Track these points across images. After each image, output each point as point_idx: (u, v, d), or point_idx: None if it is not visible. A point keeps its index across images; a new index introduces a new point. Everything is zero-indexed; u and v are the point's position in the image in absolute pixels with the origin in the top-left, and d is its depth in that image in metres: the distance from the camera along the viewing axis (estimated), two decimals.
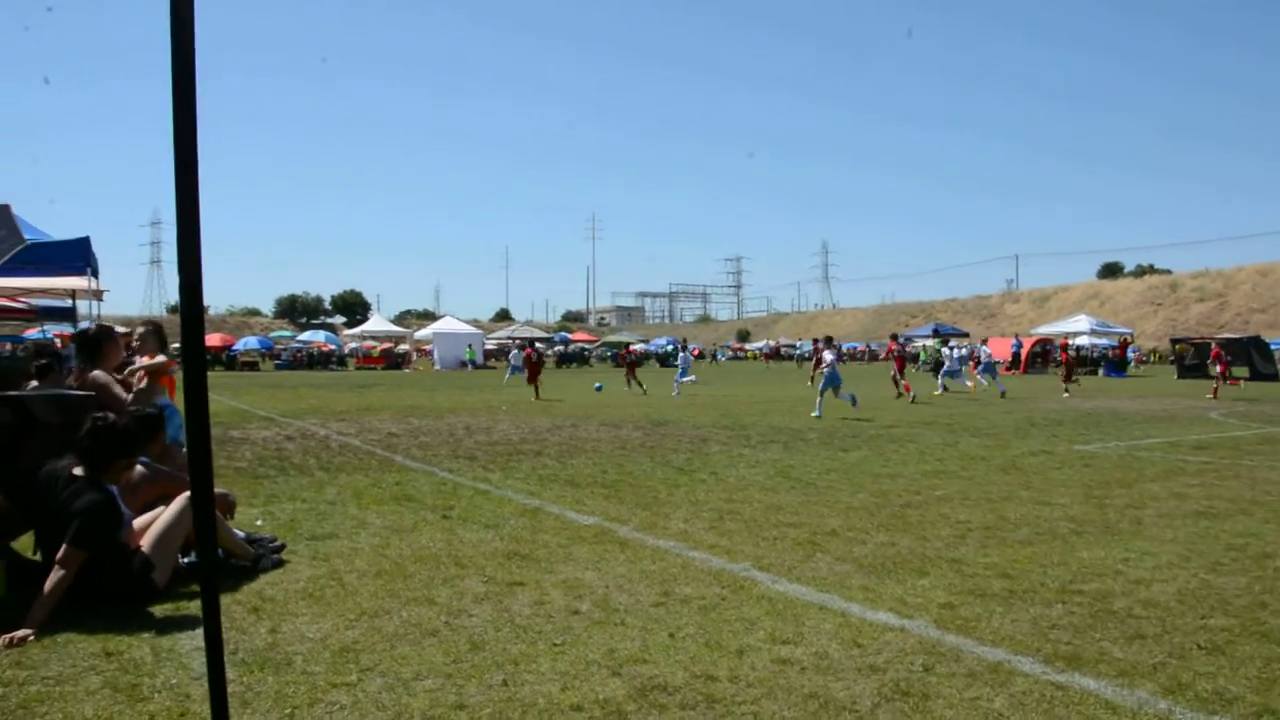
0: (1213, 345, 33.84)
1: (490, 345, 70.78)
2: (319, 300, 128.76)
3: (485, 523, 7.41)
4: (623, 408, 21.40)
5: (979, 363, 30.59)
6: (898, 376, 26.05)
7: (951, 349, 30.66)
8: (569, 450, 12.58)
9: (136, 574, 5.13)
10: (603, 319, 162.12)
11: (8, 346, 37.72)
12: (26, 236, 10.96)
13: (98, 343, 7.15)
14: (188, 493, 5.40)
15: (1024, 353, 51.89)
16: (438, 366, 59.13)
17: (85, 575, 5.19)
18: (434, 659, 4.21)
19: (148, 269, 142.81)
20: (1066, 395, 26.03)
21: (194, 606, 4.93)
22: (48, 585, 4.81)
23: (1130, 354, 52.97)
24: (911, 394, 23.82)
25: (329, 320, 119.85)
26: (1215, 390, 26.44)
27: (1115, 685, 3.87)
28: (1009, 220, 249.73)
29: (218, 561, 2.84)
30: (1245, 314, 73.86)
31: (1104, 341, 54.35)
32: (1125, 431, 15.32)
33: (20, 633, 4.52)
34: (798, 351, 75.96)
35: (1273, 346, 45.50)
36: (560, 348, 74.33)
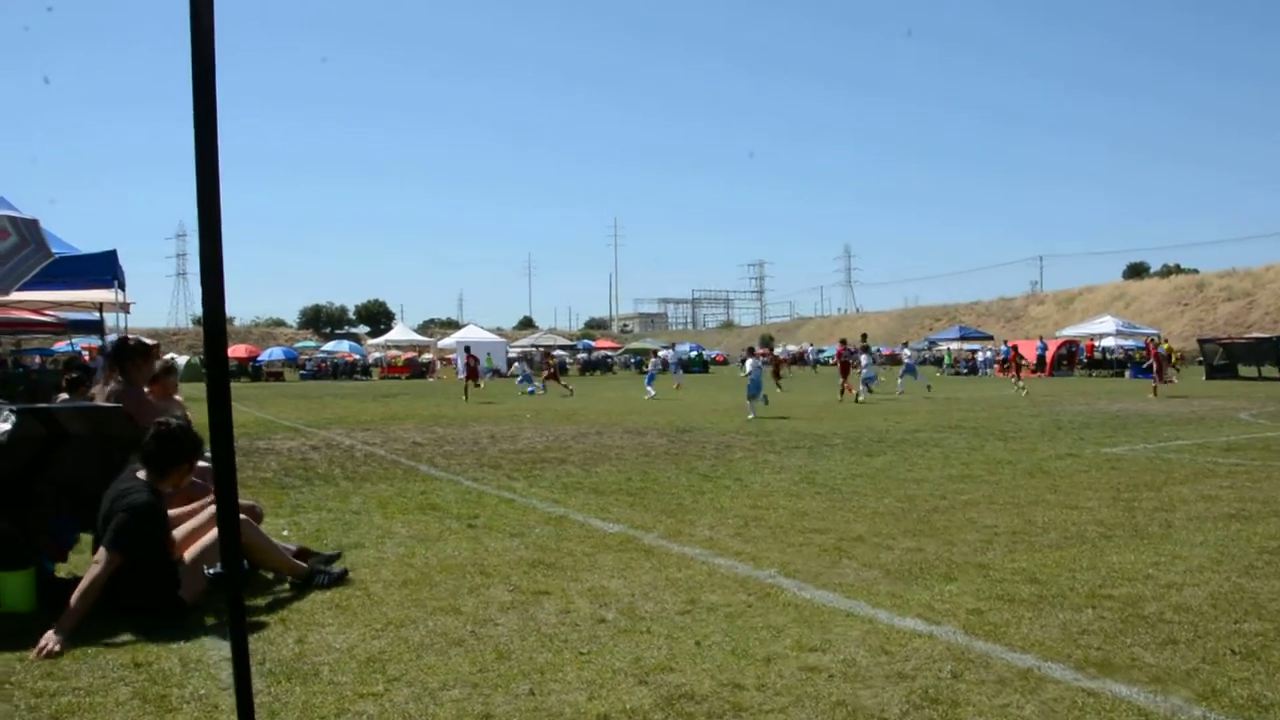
0: (1149, 345, 35.30)
1: (513, 353, 70.92)
2: (343, 310, 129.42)
3: (510, 531, 7.41)
4: (646, 415, 21.39)
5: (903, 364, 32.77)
6: (844, 381, 27.32)
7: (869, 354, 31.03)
8: (593, 458, 12.58)
9: (166, 586, 5.18)
10: (626, 326, 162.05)
11: (37, 359, 38.14)
12: (54, 250, 11.07)
13: (132, 355, 7.20)
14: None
15: (1050, 355, 51.62)
16: (461, 375, 59.29)
17: (117, 584, 5.25)
18: (460, 668, 4.21)
19: (174, 281, 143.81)
20: (1025, 394, 28.52)
21: (222, 617, 4.95)
22: (79, 589, 4.88)
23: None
24: (855, 394, 26.02)
25: (353, 330, 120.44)
26: (1155, 389, 27.51)
27: (1148, 692, 3.82)
28: (1033, 221, 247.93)
29: (243, 573, 2.85)
30: (1275, 313, 72.99)
31: (1130, 343, 53.89)
32: (1153, 434, 15.19)
33: (50, 645, 4.55)
34: (813, 356, 76.16)
35: None
36: (584, 355, 74.43)
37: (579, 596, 5.42)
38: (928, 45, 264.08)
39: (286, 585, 5.74)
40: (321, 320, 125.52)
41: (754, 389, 20.65)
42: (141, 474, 5.43)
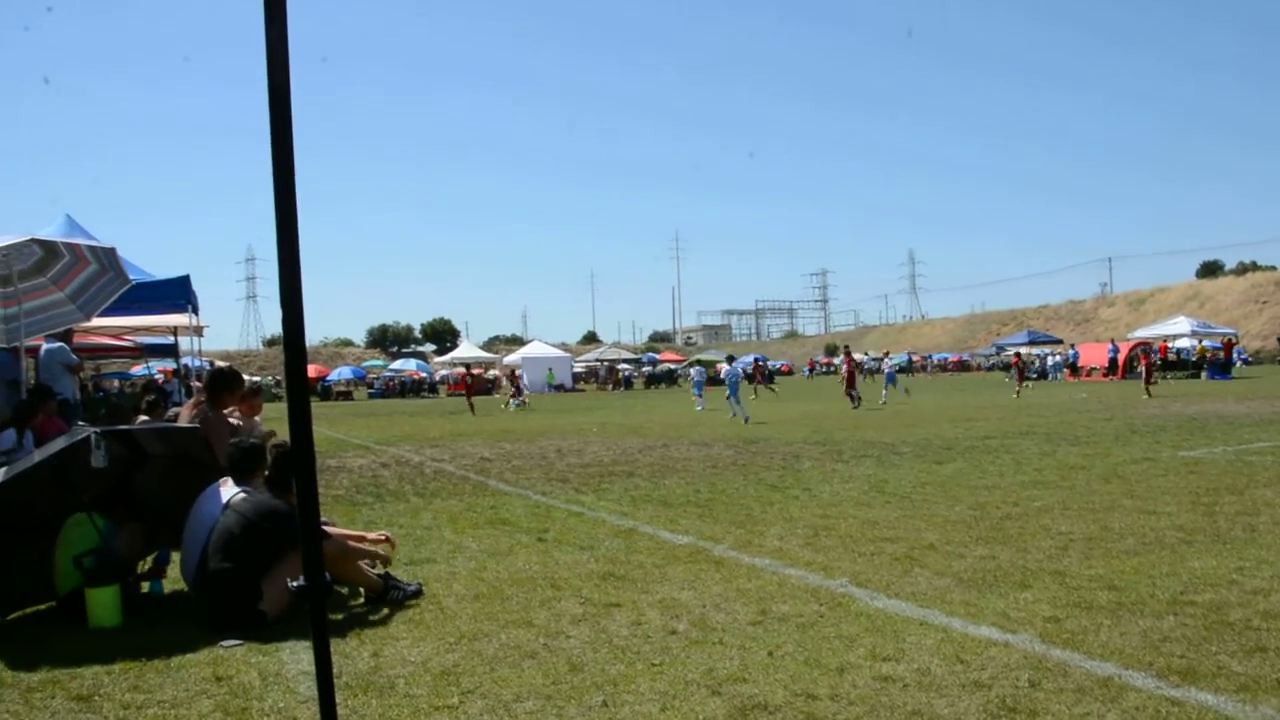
0: (1141, 353, 36.96)
1: (579, 368, 71.31)
2: (409, 329, 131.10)
3: (580, 544, 7.45)
4: (713, 427, 21.36)
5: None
6: (851, 390, 27.95)
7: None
8: (661, 470, 12.59)
9: (248, 600, 5.30)
10: (689, 338, 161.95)
11: (116, 383, 39.14)
12: (131, 277, 11.39)
13: (227, 384, 7.42)
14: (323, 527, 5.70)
15: (1121, 358, 50.55)
16: (528, 390, 59.70)
17: (204, 599, 5.43)
18: (534, 681, 4.24)
19: (244, 304, 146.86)
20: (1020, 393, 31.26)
21: (299, 631, 5.04)
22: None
23: (1236, 355, 51.24)
24: (859, 401, 27.12)
25: (419, 348, 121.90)
26: (1147, 390, 29.28)
27: (1236, 700, 3.73)
28: (1101, 222, 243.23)
29: (325, 587, 2.91)
30: None
31: (1208, 343, 52.57)
32: (1233, 435, 14.80)
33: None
34: (869, 365, 75.58)
35: None
36: (649, 368, 74.56)
37: (650, 608, 5.43)
38: (994, 42, 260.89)
39: (361, 600, 5.84)
40: (388, 339, 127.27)
41: (732, 391, 23.94)
42: (230, 486, 5.77)
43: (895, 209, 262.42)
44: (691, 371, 33.69)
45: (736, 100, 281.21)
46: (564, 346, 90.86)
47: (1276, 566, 5.90)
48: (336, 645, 4.88)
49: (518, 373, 49.38)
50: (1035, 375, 56.11)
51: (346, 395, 65.37)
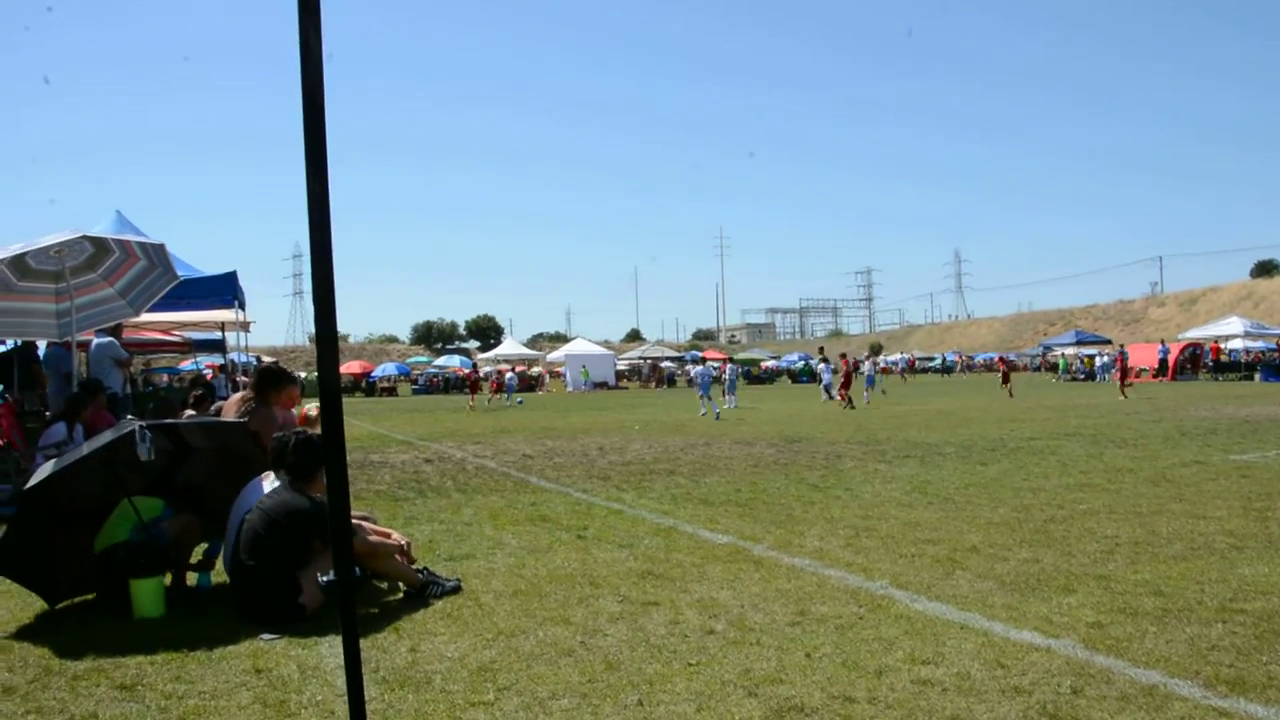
0: (1120, 352, 37.91)
1: (621, 365, 71.43)
2: (454, 326, 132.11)
3: (619, 542, 7.45)
4: (755, 425, 21.30)
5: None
6: (842, 390, 29.14)
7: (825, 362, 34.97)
8: (702, 469, 12.57)
9: (288, 593, 5.36)
10: (733, 337, 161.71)
11: (165, 378, 39.75)
12: (180, 273, 11.55)
13: (276, 381, 7.47)
14: (357, 521, 5.76)
15: (1171, 359, 49.77)
16: (570, 388, 59.90)
17: (242, 591, 5.50)
18: (570, 678, 4.24)
19: (291, 300, 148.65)
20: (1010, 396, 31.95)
21: (339, 626, 5.07)
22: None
23: None
24: (847, 402, 28.18)
25: (463, 345, 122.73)
26: (1123, 391, 30.90)
27: None
28: (1152, 220, 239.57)
29: (354, 580, 2.94)
30: None
31: (1260, 344, 51.60)
32: None
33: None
34: (898, 365, 75.29)
35: None
36: (691, 366, 74.50)
37: (688, 607, 5.41)
38: (1039, 41, 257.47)
39: (400, 594, 5.87)
40: (433, 336, 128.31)
41: (703, 390, 26.35)
42: (275, 481, 5.81)
43: (942, 208, 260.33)
44: (694, 371, 34.40)
45: (776, 105, 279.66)
46: (607, 344, 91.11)
47: None
48: (374, 640, 4.93)
49: (502, 370, 52.76)
50: (1084, 376, 55.49)
51: (391, 391, 65.92)
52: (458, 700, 4.00)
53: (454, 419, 28.27)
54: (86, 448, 5.87)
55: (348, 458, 2.92)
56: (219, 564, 6.39)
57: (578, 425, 23.28)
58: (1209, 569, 5.98)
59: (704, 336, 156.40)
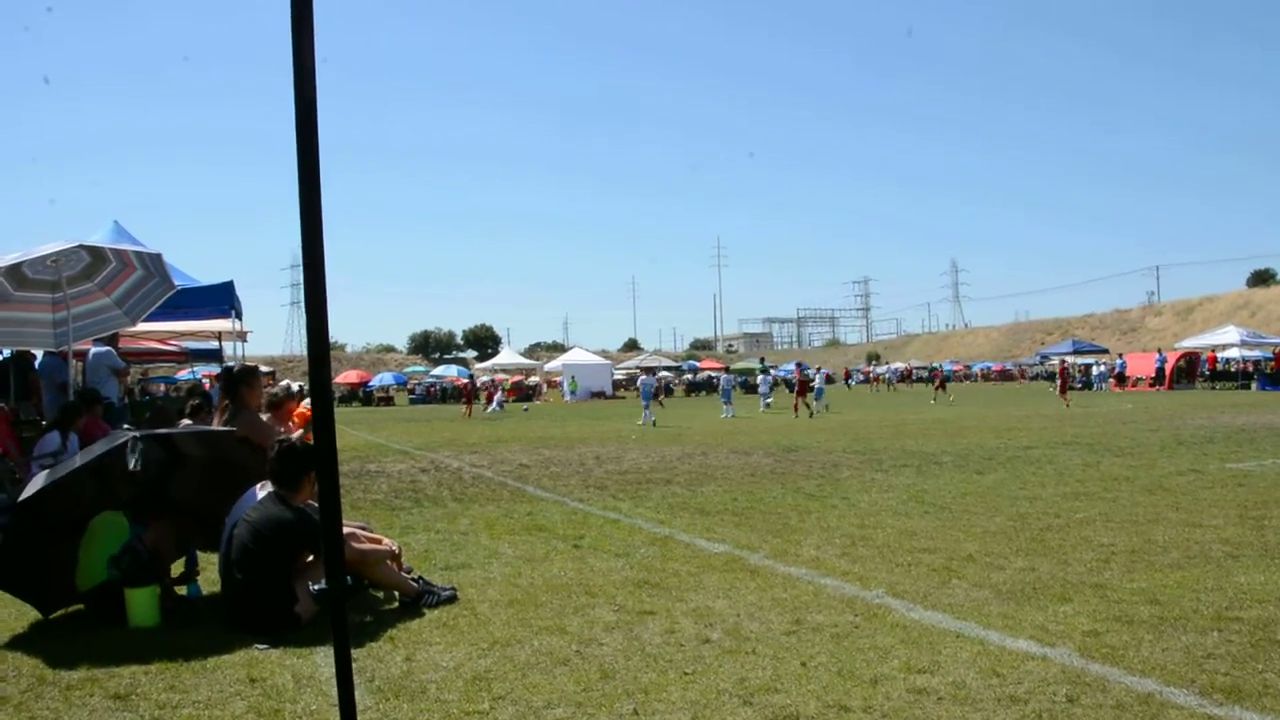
0: (1060, 362, 41.09)
1: (619, 375, 71.39)
2: (451, 335, 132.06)
3: (615, 552, 7.44)
4: (753, 435, 21.30)
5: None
6: (797, 399, 31.02)
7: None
8: (699, 478, 12.56)
9: (282, 603, 5.35)
10: (731, 346, 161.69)
11: (162, 387, 39.72)
12: (177, 282, 11.55)
13: (240, 382, 7.47)
14: (349, 530, 5.74)
15: (1169, 368, 49.83)
16: (568, 398, 59.83)
17: (236, 600, 5.49)
18: (565, 687, 4.24)
19: (288, 310, 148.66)
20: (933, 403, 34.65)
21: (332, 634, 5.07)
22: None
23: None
24: (811, 412, 29.92)
25: (461, 355, 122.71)
26: (1066, 400, 31.81)
27: None
28: (1148, 230, 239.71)
29: (345, 588, 2.93)
30: None
31: (1256, 354, 51.65)
32: None
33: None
34: (886, 374, 75.80)
35: None
36: (689, 376, 74.55)
37: (684, 617, 5.41)
38: (1038, 49, 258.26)
39: (396, 603, 5.87)
40: (430, 345, 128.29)
41: (645, 400, 28.72)
42: (268, 489, 5.78)
43: (939, 217, 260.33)
44: (639, 381, 35.51)
45: (772, 111, 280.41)
46: (605, 353, 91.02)
47: None
48: (369, 649, 4.92)
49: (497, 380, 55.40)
50: (1080, 385, 55.55)
51: (388, 400, 65.85)
52: (453, 710, 4.00)
53: (451, 428, 28.26)
54: (79, 459, 5.86)
55: (343, 467, 2.92)
56: (212, 572, 6.38)
57: (574, 434, 23.27)
58: (1205, 577, 5.98)
59: (701, 346, 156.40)
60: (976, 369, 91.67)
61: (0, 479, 9.36)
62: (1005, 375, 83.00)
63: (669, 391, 66.74)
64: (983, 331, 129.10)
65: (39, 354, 12.83)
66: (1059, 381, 34.28)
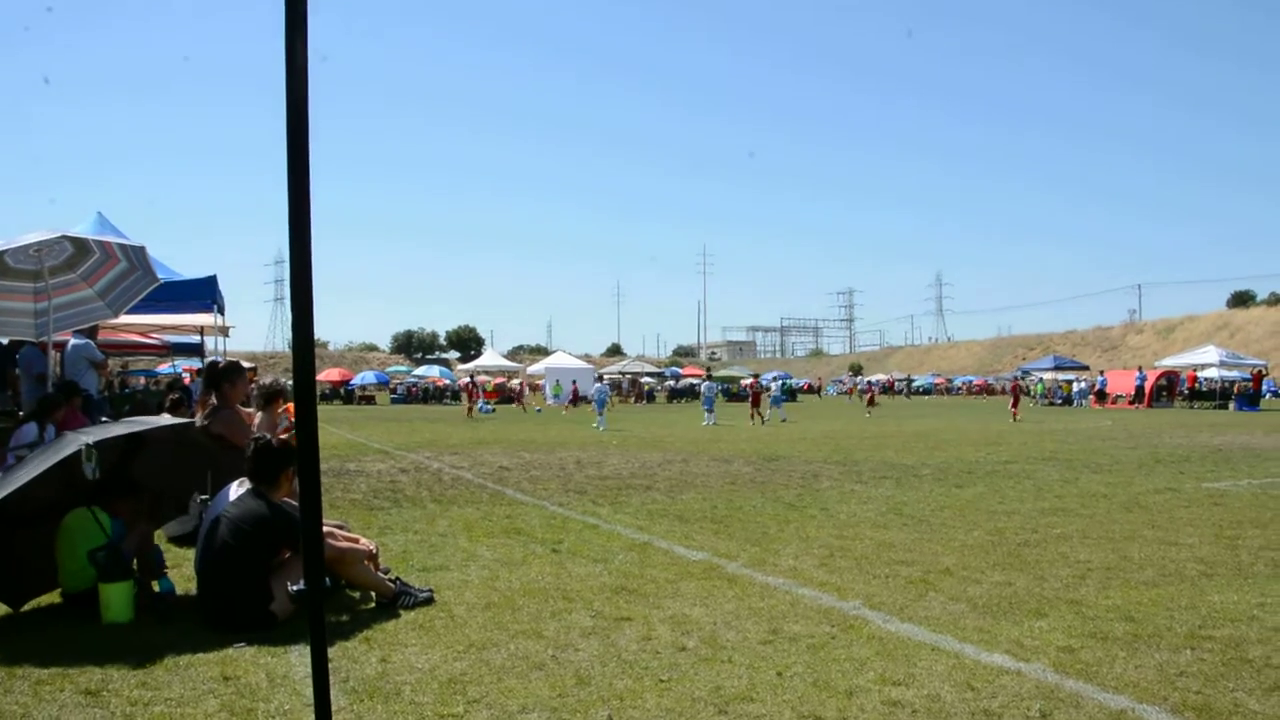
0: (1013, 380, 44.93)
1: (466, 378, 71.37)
2: (434, 336, 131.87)
3: (594, 557, 7.43)
4: (733, 443, 21.32)
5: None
6: (753, 409, 33.00)
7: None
8: (679, 485, 12.56)
9: (258, 601, 5.33)
10: (714, 354, 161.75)
11: (142, 381, 39.48)
12: (159, 275, 11.48)
13: (223, 377, 7.46)
14: (327, 529, 5.72)
15: (1148, 386, 50.15)
16: (551, 401, 59.71)
17: (211, 597, 5.46)
18: (540, 692, 4.23)
19: (271, 306, 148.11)
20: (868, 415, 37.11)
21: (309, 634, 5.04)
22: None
23: (1266, 387, 50.70)
24: (763, 420, 31.71)
25: (444, 355, 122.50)
26: (1014, 415, 33.70)
27: None
28: (1131, 248, 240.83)
29: (324, 590, 2.92)
30: None
31: (1235, 374, 52.06)
32: (1260, 468, 14.63)
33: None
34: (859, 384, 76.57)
35: None
36: (672, 383, 74.55)
37: (660, 624, 5.40)
38: (1021, 70, 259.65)
39: (372, 604, 5.84)
40: (413, 345, 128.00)
41: (599, 406, 29.89)
42: (244, 488, 5.74)
43: (924, 231, 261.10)
44: (594, 389, 36.29)
45: (769, 106, 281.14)
46: (588, 358, 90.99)
47: None
48: (344, 649, 4.89)
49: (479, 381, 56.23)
50: (1061, 401, 55.83)
51: (369, 400, 65.64)
52: (427, 712, 3.98)
53: (432, 429, 28.17)
54: (39, 464, 5.67)
55: (323, 466, 2.91)
56: (188, 569, 6.33)
57: (555, 438, 23.24)
58: (1179, 595, 6.02)
59: (685, 353, 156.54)
60: (958, 382, 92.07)
61: None
62: (986, 389, 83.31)
63: (651, 398, 66.79)
64: (965, 345, 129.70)
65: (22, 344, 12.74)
66: (1012, 397, 36.36)
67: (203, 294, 13.97)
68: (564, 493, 11.74)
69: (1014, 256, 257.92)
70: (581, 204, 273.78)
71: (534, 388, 68.04)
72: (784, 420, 33.05)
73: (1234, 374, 52.02)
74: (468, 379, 47.85)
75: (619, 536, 8.42)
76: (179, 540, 8.02)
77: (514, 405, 53.41)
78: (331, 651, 4.62)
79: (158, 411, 10.06)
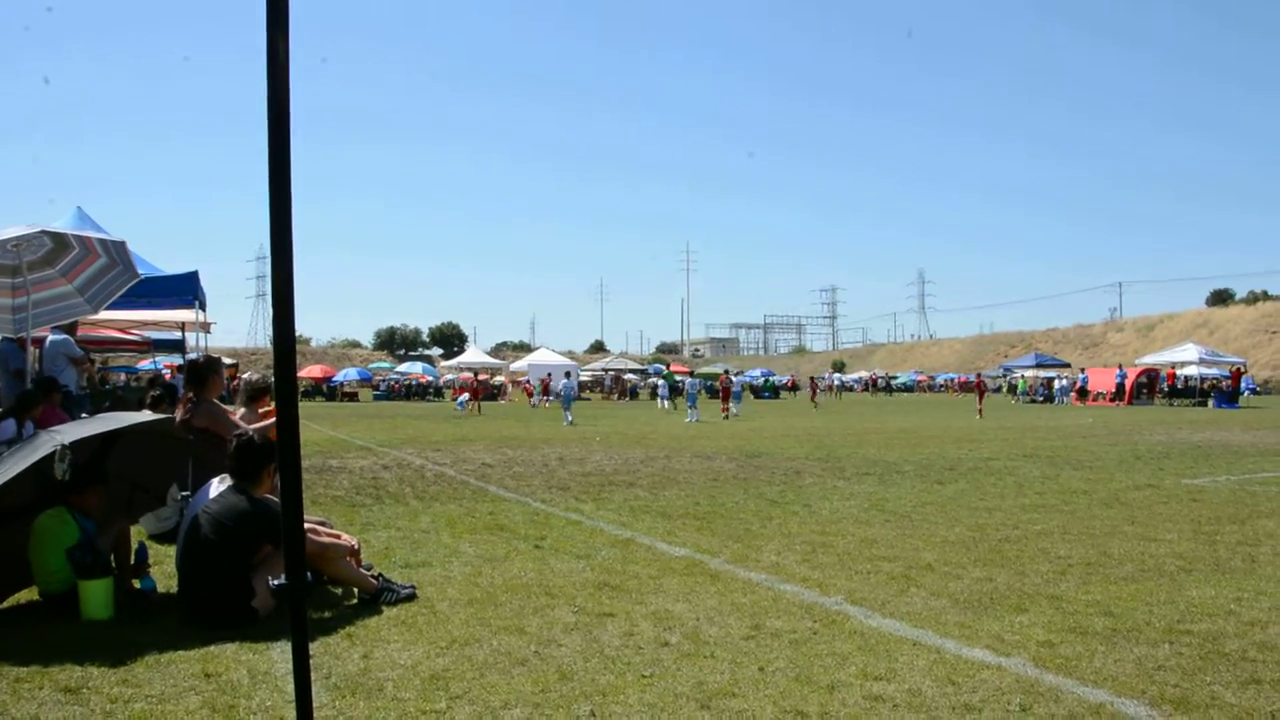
0: (977, 377, 46.02)
1: (585, 377, 71.28)
2: (417, 332, 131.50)
3: (576, 553, 7.43)
4: (716, 439, 21.34)
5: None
6: (724, 405, 34.82)
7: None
8: (662, 482, 12.57)
9: (239, 597, 5.31)
10: (697, 351, 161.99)
11: (123, 377, 39.22)
12: (140, 271, 11.41)
13: (205, 373, 7.44)
14: (309, 525, 5.70)
15: (1129, 383, 50.45)
16: (534, 401, 59.66)
17: (192, 594, 5.43)
18: (523, 688, 4.23)
19: (253, 302, 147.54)
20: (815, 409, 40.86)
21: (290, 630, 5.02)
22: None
23: (1244, 385, 51.03)
24: (727, 414, 33.27)
25: (426, 352, 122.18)
26: (979, 411, 34.79)
27: None
28: (1112, 247, 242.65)
29: (306, 584, 2.91)
30: None
31: (1214, 371, 52.44)
32: (1238, 465, 14.74)
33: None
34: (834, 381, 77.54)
35: None
36: (655, 379, 74.55)
37: (643, 619, 5.41)
38: (1004, 78, 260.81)
39: (354, 600, 5.83)
40: (396, 342, 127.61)
41: (566, 402, 30.77)
42: (226, 484, 5.73)
43: (906, 227, 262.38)
44: (560, 385, 37.78)
45: (750, 109, 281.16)
46: (571, 355, 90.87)
47: (1275, 598, 5.86)
48: (326, 645, 4.88)
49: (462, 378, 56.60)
50: (1042, 398, 56.11)
51: (352, 396, 65.43)
52: (409, 708, 3.97)
53: (414, 426, 28.10)
54: (14, 466, 5.61)
55: (305, 462, 2.90)
56: (168, 566, 6.31)
57: (538, 435, 23.22)
58: (1158, 591, 6.06)
59: (668, 350, 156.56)
60: (940, 379, 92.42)
61: None
62: (966, 387, 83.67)
63: (634, 394, 66.82)
64: (947, 343, 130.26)
65: None
66: (977, 393, 38.34)
67: (184, 290, 13.87)
68: (547, 489, 11.73)
69: (996, 255, 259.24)
70: (565, 205, 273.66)
71: (517, 383, 68.02)
72: (737, 415, 34.22)
73: (1213, 371, 52.45)
74: (471, 376, 48.24)
75: (602, 533, 8.42)
76: (160, 537, 7.98)
77: (499, 401, 53.37)
78: (313, 647, 4.61)
79: (138, 408, 9.97)
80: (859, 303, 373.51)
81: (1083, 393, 52.86)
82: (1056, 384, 57.42)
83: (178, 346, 23.50)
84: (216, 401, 7.44)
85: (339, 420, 32.18)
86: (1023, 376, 62.65)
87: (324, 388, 67.97)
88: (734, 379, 43.13)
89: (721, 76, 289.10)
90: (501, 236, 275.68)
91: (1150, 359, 56.82)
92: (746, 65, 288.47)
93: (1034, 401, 55.93)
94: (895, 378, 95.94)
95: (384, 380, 73.36)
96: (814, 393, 50.22)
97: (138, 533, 7.78)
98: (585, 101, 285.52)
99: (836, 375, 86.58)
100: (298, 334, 2.90)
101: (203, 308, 15.18)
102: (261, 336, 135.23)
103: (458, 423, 30.27)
